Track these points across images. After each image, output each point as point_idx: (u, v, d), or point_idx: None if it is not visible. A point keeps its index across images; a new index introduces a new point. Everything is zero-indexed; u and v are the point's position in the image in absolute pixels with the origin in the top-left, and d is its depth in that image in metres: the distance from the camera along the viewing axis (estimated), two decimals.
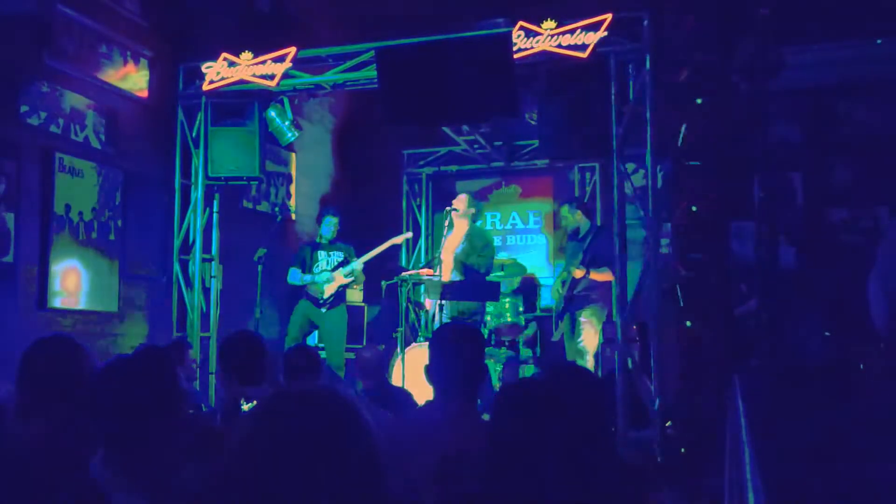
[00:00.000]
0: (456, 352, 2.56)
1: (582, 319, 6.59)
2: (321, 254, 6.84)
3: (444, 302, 6.19)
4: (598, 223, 8.25)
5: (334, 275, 6.69)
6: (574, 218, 6.94)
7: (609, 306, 6.58)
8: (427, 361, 2.62)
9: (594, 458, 2.03)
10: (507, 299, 7.22)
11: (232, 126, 6.53)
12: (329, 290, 6.69)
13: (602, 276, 6.49)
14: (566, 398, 2.00)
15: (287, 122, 6.54)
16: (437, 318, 6.35)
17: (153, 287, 7.08)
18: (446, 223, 6.84)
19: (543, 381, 2.29)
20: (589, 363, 6.41)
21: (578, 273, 6.56)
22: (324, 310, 6.73)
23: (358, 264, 6.75)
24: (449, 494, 2.11)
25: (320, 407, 1.28)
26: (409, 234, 7.83)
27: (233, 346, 3.85)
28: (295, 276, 6.85)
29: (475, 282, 6.47)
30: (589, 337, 6.55)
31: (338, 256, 6.81)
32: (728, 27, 5.03)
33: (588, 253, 6.57)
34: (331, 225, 6.89)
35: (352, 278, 6.78)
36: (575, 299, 6.68)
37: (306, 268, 6.84)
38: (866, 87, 6.74)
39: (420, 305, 7.52)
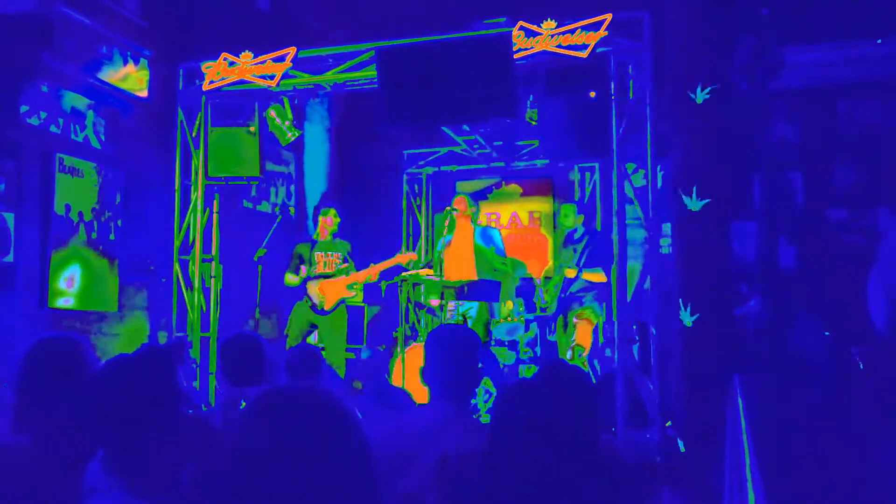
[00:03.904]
0: (451, 354, 2.57)
1: (575, 319, 6.61)
2: (318, 255, 6.73)
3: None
4: (599, 224, 8.25)
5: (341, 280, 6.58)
6: (574, 219, 6.97)
7: (606, 306, 6.60)
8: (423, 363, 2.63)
9: (590, 456, 2.03)
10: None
11: (232, 126, 6.53)
12: (330, 302, 6.58)
13: (595, 276, 6.52)
14: (556, 396, 2.00)
15: (287, 122, 6.53)
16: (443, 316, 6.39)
17: (153, 287, 7.09)
18: (446, 223, 6.82)
19: (537, 381, 2.29)
20: (584, 362, 6.42)
21: (570, 273, 6.60)
22: (323, 311, 6.70)
23: (361, 281, 6.68)
24: (447, 495, 2.11)
25: (312, 405, 1.28)
26: (414, 256, 7.75)
27: (232, 347, 3.85)
28: (293, 277, 6.71)
29: (477, 282, 6.50)
30: (583, 336, 6.56)
31: (336, 260, 6.69)
32: (728, 27, 5.03)
33: (582, 254, 6.61)
34: (331, 222, 6.75)
35: (353, 293, 6.73)
36: (568, 299, 6.71)
37: (307, 265, 6.70)
38: (866, 87, 6.74)
39: (421, 305, 7.51)
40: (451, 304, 6.66)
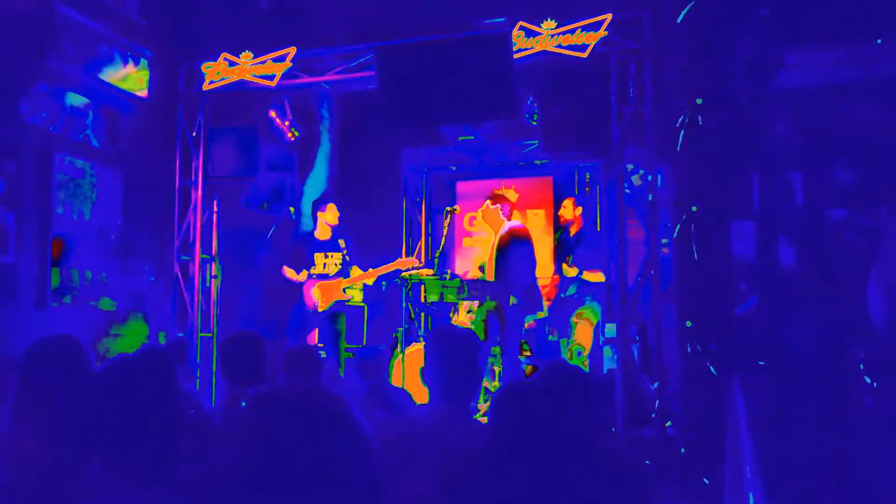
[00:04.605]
0: (450, 354, 2.57)
1: (574, 319, 6.62)
2: (318, 256, 6.71)
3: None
4: (598, 223, 8.26)
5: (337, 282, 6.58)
6: (574, 213, 6.95)
7: (602, 306, 6.60)
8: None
9: (589, 456, 2.03)
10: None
11: (232, 126, 6.53)
12: (324, 304, 6.58)
13: (594, 276, 6.52)
14: (559, 397, 2.00)
15: (287, 122, 6.54)
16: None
17: (153, 287, 7.08)
18: (447, 222, 6.79)
19: (537, 381, 2.29)
20: (584, 362, 6.43)
21: (571, 271, 6.59)
22: (320, 312, 6.69)
23: (358, 283, 6.69)
24: (447, 495, 2.11)
25: (312, 405, 1.28)
26: (414, 262, 7.74)
27: (233, 346, 3.86)
28: (293, 275, 6.70)
29: (477, 282, 6.50)
30: (583, 336, 6.57)
31: (336, 261, 6.67)
32: (728, 27, 5.03)
33: (579, 253, 6.62)
34: (332, 217, 6.71)
35: (348, 296, 6.73)
36: (567, 300, 6.71)
37: (307, 265, 6.69)
38: (866, 87, 6.74)
39: (423, 305, 7.49)
40: (465, 304, 6.63)
